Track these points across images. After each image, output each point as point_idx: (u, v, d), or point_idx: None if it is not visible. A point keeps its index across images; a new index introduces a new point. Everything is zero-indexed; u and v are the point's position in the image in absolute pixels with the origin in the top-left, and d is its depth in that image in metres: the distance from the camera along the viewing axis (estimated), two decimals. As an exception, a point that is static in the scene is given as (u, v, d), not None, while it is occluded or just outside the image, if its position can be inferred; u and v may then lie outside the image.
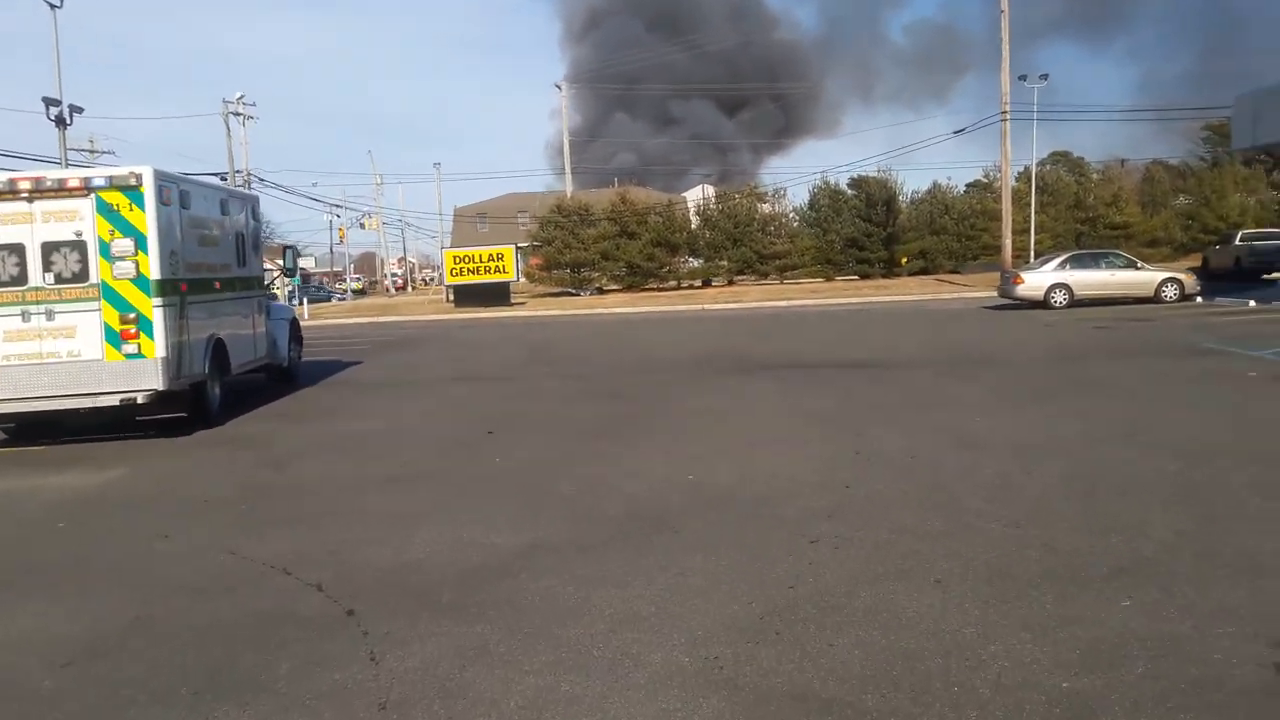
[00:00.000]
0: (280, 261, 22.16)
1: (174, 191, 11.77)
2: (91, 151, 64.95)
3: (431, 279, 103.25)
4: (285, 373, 16.45)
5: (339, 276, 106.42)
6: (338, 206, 77.07)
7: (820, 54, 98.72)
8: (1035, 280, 26.49)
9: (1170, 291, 26.00)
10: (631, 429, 10.32)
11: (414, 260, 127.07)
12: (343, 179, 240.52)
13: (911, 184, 77.60)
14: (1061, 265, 26.67)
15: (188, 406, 11.83)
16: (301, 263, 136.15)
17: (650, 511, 6.85)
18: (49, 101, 33.05)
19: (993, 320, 24.16)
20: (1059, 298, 26.08)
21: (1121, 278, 26.42)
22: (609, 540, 6.21)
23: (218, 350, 12.65)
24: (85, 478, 9.48)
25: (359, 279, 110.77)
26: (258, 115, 55.38)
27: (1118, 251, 30.62)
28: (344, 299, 75.24)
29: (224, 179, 52.12)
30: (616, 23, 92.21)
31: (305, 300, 48.88)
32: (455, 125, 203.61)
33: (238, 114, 54.38)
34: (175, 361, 11.31)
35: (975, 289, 37.84)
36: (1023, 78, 44.07)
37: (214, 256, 13.29)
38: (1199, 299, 26.03)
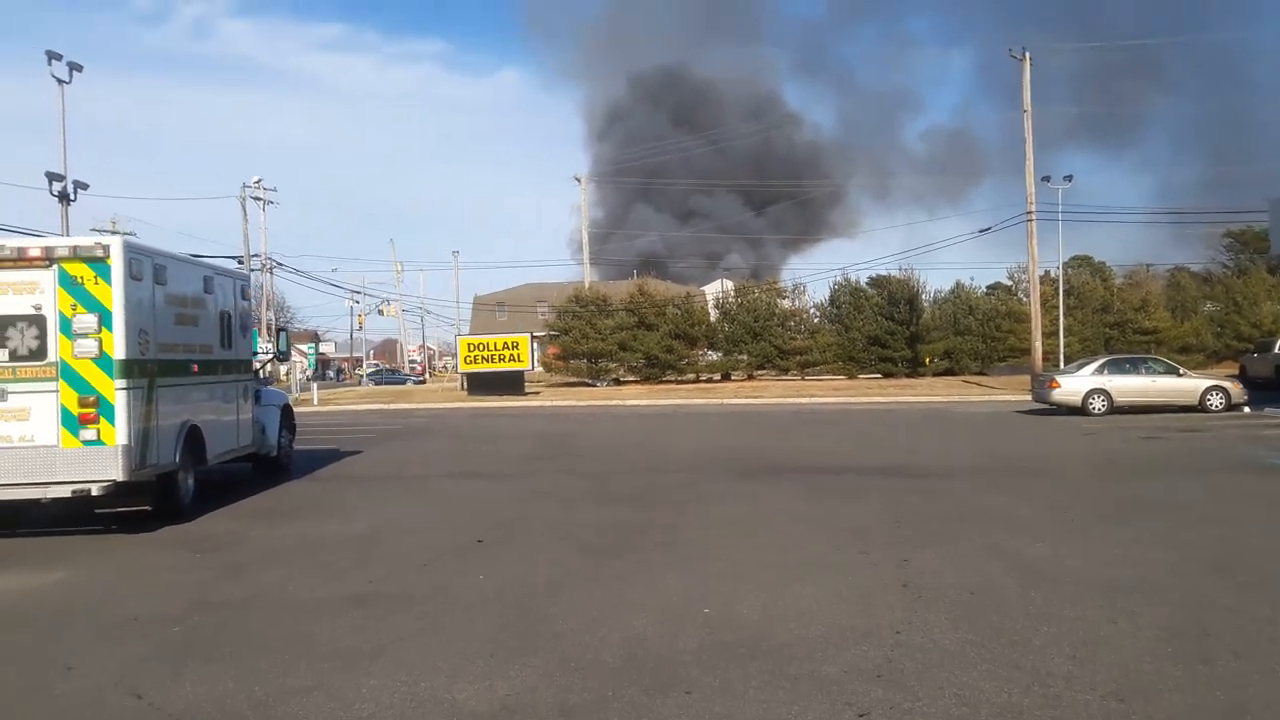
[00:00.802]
0: (270, 344, 21.15)
1: (147, 265, 10.88)
2: (113, 233, 65.63)
3: (449, 366, 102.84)
4: (275, 462, 15.41)
5: (358, 362, 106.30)
6: (357, 292, 77.27)
7: (839, 155, 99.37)
8: (1072, 385, 25.22)
9: (1215, 400, 24.64)
10: (642, 542, 9.07)
11: (433, 347, 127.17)
12: (363, 266, 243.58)
13: (931, 285, 76.96)
14: (1100, 370, 25.42)
15: (153, 499, 10.79)
16: (322, 347, 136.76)
17: (656, 659, 5.59)
18: (52, 176, 32.86)
19: (1028, 426, 22.85)
20: (1097, 404, 24.77)
21: (1163, 384, 25.12)
22: (601, 702, 4.94)
23: (192, 438, 11.70)
24: (15, 580, 8.30)
25: (377, 365, 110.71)
26: (277, 200, 55.53)
27: (1158, 357, 29.41)
28: (420, 380, 73.73)
29: (240, 262, 52.13)
30: (638, 118, 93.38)
31: (314, 383, 48.03)
32: (476, 216, 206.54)
33: (257, 198, 54.54)
34: (139, 449, 10.33)
35: (1004, 392, 36.58)
36: (1046, 179, 43.40)
37: (193, 337, 12.36)
38: (1246, 409, 24.65)
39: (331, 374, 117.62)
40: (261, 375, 18.44)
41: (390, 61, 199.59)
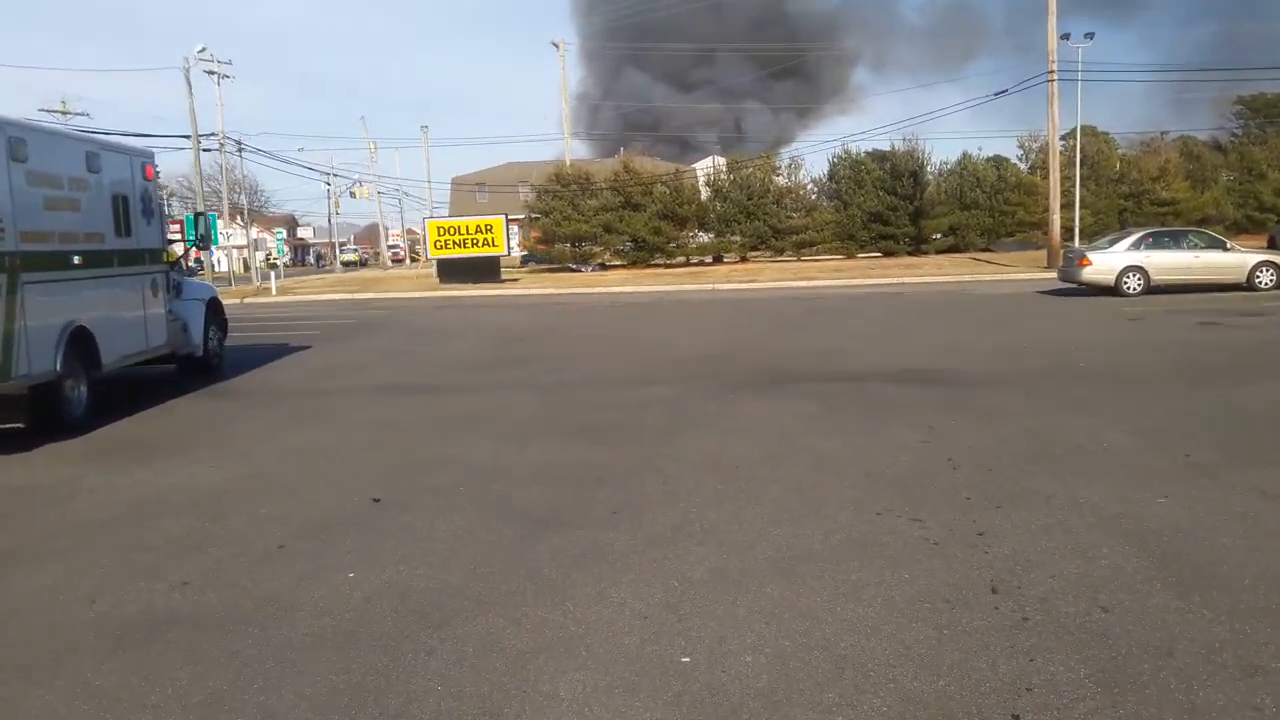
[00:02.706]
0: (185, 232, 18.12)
1: None
2: (64, 113, 61.20)
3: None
4: (201, 363, 13.99)
5: (340, 247, 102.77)
6: (330, 174, 73.25)
7: (837, 23, 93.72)
8: (1106, 262, 22.43)
9: (1266, 277, 21.95)
10: (594, 506, 6.43)
11: (418, 231, 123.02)
12: (339, 148, 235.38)
13: (934, 158, 72.45)
14: (1136, 245, 22.59)
15: (27, 414, 9.23)
16: (300, 233, 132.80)
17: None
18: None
19: (1060, 310, 20.16)
20: (1133, 283, 22.08)
21: (1207, 260, 22.34)
22: None
23: (78, 340, 10.16)
24: None
25: (356, 250, 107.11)
26: (232, 74, 51.27)
27: (1200, 229, 26.56)
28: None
29: (199, 142, 48.32)
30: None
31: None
32: (461, 97, 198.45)
33: (211, 72, 50.33)
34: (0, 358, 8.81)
35: (1017, 269, 33.85)
36: (1065, 36, 39.55)
37: (74, 224, 10.58)
38: (1301, 286, 21.97)
39: (311, 260, 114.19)
40: (182, 266, 15.93)
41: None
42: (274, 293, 37.06)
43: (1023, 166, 52.94)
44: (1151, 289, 22.05)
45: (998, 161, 53.31)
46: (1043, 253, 40.02)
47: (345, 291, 37.28)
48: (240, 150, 62.17)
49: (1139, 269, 22.15)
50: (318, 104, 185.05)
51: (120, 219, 11.53)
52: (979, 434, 8.13)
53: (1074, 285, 23.44)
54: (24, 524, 6.59)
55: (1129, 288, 22.05)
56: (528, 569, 5.21)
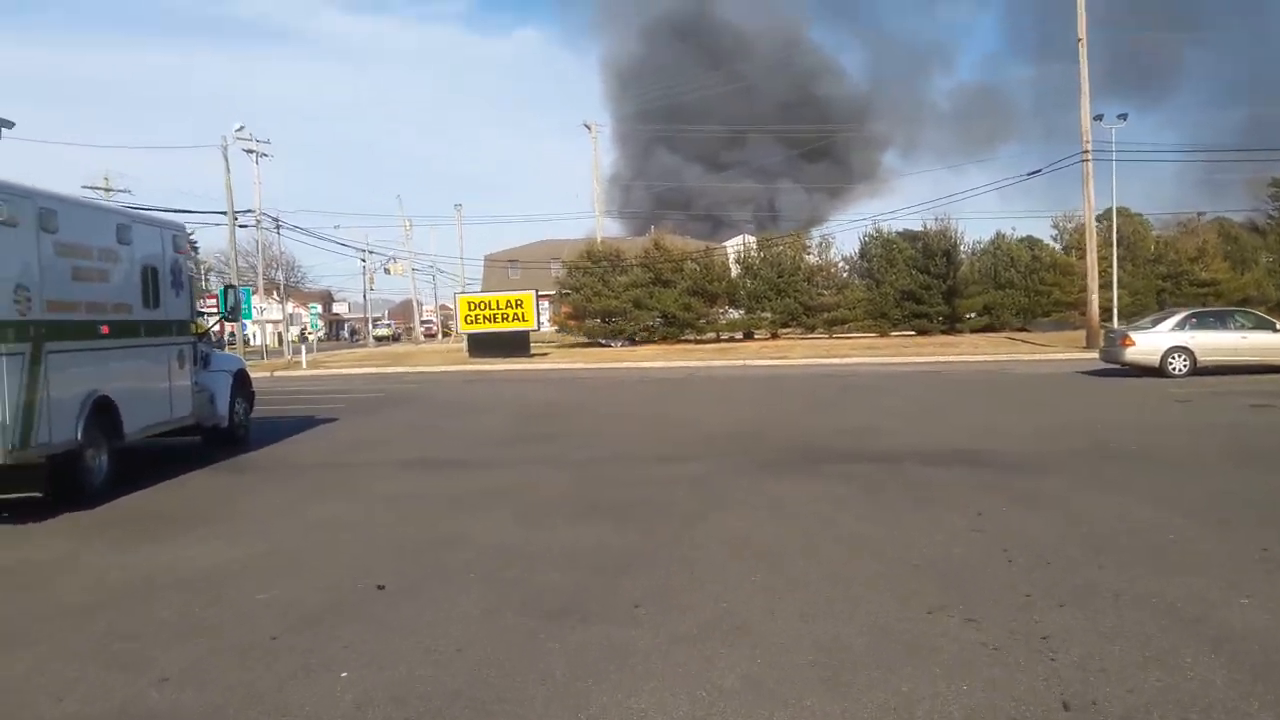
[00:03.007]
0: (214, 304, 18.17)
1: (25, 209, 8.95)
2: (106, 190, 62.71)
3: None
4: (227, 434, 13.89)
5: (375, 322, 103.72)
6: (365, 250, 74.23)
7: (867, 107, 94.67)
8: (1150, 342, 21.79)
9: (1317, 359, 21.20)
10: (617, 597, 5.93)
11: (451, 307, 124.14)
12: (374, 225, 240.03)
13: (966, 237, 71.25)
14: (1181, 324, 21.96)
15: (46, 483, 9.06)
16: (336, 308, 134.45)
17: None
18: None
19: (1104, 390, 19.50)
20: (1178, 364, 21.40)
21: (1255, 341, 21.64)
22: None
23: (100, 410, 10.00)
24: None
25: (389, 325, 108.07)
26: (271, 153, 52.34)
27: (1246, 309, 25.83)
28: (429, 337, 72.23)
29: (235, 218, 49.14)
30: (657, 66, 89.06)
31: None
32: (496, 179, 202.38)
33: (250, 150, 51.43)
34: (19, 427, 8.63)
35: (1055, 349, 33.16)
36: (1099, 117, 39.38)
37: (102, 295, 10.48)
38: (1351, 369, 21.18)
39: (345, 334, 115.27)
40: (211, 338, 15.98)
41: (410, 23, 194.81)
42: (304, 366, 37.08)
43: (1056, 247, 52.50)
44: (1198, 370, 21.35)
45: (1031, 242, 52.92)
46: (1080, 333, 39.35)
47: (375, 366, 37.23)
48: (278, 227, 63.40)
49: (1184, 349, 21.48)
50: (355, 182, 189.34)
51: (149, 290, 11.57)
52: (1032, 521, 7.57)
53: (1117, 366, 22.79)
54: (4, 605, 6.19)
55: (1174, 369, 21.37)
56: (539, 671, 4.71)
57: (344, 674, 4.74)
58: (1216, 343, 21.58)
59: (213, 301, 16.92)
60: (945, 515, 7.85)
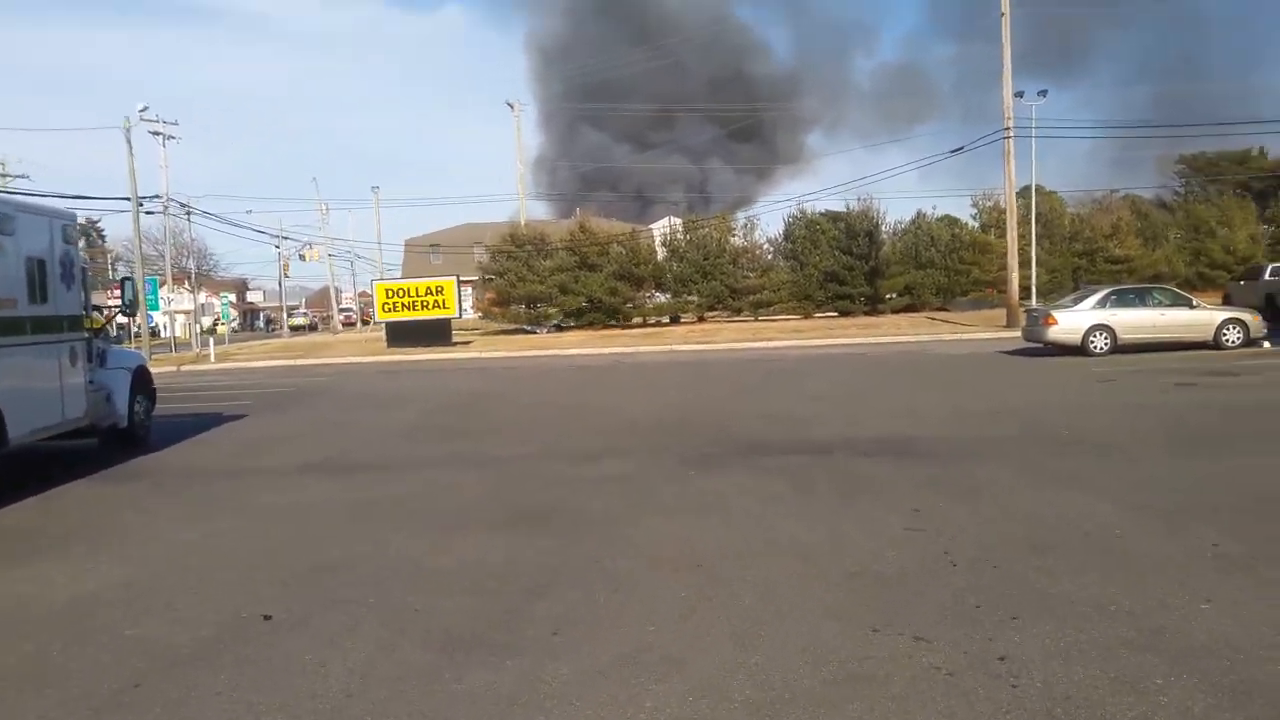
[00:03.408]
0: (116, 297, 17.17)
1: None
2: (2, 175, 59.54)
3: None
4: (127, 434, 13.21)
5: (291, 311, 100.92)
6: (279, 236, 71.85)
7: (791, 86, 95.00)
8: (1071, 321, 21.91)
9: (1233, 335, 21.51)
10: (536, 622, 5.35)
11: (370, 294, 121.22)
12: (292, 210, 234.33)
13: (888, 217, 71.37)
14: (1102, 303, 22.11)
15: None
16: (250, 296, 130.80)
17: None
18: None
19: (1028, 371, 19.48)
20: (1100, 342, 21.55)
21: (1173, 318, 21.88)
22: None
23: None
24: None
25: (306, 314, 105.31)
26: (179, 136, 50.14)
27: (1165, 286, 26.22)
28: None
29: (140, 204, 46.91)
30: (584, 42, 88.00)
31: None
32: (414, 154, 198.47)
33: (156, 133, 49.20)
34: None
35: (975, 328, 33.42)
36: (1019, 94, 39.76)
37: None
38: (1266, 343, 21.58)
39: (261, 324, 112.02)
40: (108, 333, 14.97)
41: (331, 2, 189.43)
42: (213, 359, 35.56)
43: (974, 225, 53.15)
44: (1119, 348, 21.53)
45: (950, 221, 53.50)
46: (999, 311, 39.82)
47: (288, 357, 35.88)
48: (188, 213, 60.85)
49: (1105, 328, 21.63)
50: (269, 167, 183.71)
51: (35, 284, 10.86)
52: (970, 518, 7.18)
53: (1038, 345, 22.91)
54: None
55: (1096, 347, 21.51)
56: (440, 718, 4.10)
57: (209, 736, 4.08)
58: (1136, 320, 21.76)
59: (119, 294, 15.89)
60: (881, 513, 7.43)
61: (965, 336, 31.30)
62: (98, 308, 16.43)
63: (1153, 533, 6.59)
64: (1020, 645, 4.63)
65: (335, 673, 4.68)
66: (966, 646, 4.65)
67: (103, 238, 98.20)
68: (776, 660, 4.60)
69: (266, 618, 5.54)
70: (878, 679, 4.32)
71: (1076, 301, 22.92)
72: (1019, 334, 27.65)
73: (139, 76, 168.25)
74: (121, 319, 16.20)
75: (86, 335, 12.47)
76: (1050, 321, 22.15)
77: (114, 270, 77.92)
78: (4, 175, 60.07)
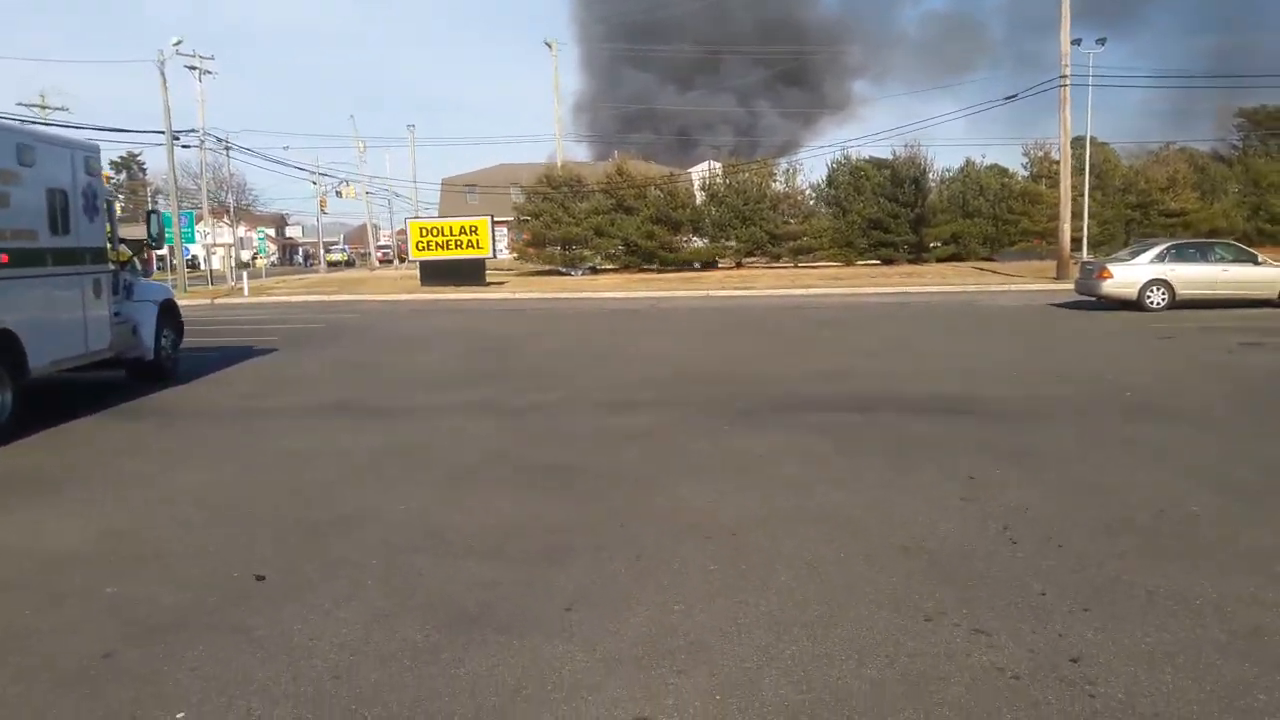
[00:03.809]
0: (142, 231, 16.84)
1: None
2: (42, 108, 59.39)
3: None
4: (153, 367, 13.18)
5: (329, 247, 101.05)
6: (317, 173, 71.48)
7: (839, 31, 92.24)
8: (1127, 275, 20.95)
9: (1299, 293, 20.48)
10: (550, 596, 4.85)
11: (406, 233, 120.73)
12: (327, 145, 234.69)
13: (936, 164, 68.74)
14: (1160, 257, 21.10)
15: None
16: (289, 231, 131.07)
17: None
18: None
19: (1082, 325, 18.61)
20: (1156, 298, 20.63)
21: (1236, 275, 20.86)
22: None
23: (1, 345, 9.45)
24: None
25: (344, 250, 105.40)
26: (216, 70, 49.56)
27: (1227, 241, 25.01)
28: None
29: (176, 138, 46.60)
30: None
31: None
32: (455, 93, 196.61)
33: (193, 67, 48.64)
34: None
35: (1024, 279, 32.39)
36: (1076, 42, 38.00)
37: None
38: (1335, 303, 20.51)
39: (299, 259, 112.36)
40: (136, 266, 14.74)
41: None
42: (246, 293, 35.40)
43: (1023, 175, 51.46)
44: (1176, 304, 20.58)
45: (999, 171, 51.83)
46: (1049, 263, 38.58)
47: (322, 293, 35.64)
48: (227, 148, 60.55)
49: (1163, 282, 20.67)
50: (307, 104, 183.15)
51: (56, 216, 10.68)
52: (1030, 489, 6.56)
53: (1091, 298, 21.99)
54: None
55: (1153, 302, 20.59)
56: (433, 710, 3.62)
57: (180, 715, 3.62)
58: (1196, 276, 20.77)
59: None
60: (932, 479, 6.83)
61: (1014, 288, 30.29)
62: (124, 240, 16.17)
63: (1235, 514, 5.94)
64: (1095, 644, 4.05)
65: (324, 649, 4.20)
66: (1033, 644, 4.07)
67: (143, 171, 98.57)
68: (816, 653, 4.05)
69: (260, 578, 5.10)
70: (932, 681, 3.77)
71: (1133, 255, 21.89)
72: (1070, 287, 26.66)
73: (181, 12, 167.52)
74: (154, 252, 15.84)
75: (112, 268, 12.40)
76: (1105, 275, 21.20)
77: (153, 203, 78.08)
78: (44, 107, 60.09)
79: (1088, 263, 23.61)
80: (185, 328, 14.62)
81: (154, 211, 15.48)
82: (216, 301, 33.47)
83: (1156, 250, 21.39)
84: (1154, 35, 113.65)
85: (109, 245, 12.66)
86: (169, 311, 14.08)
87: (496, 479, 7.20)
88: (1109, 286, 21.08)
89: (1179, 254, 21.28)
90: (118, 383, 12.64)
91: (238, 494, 6.97)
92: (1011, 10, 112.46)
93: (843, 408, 9.80)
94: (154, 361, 13.19)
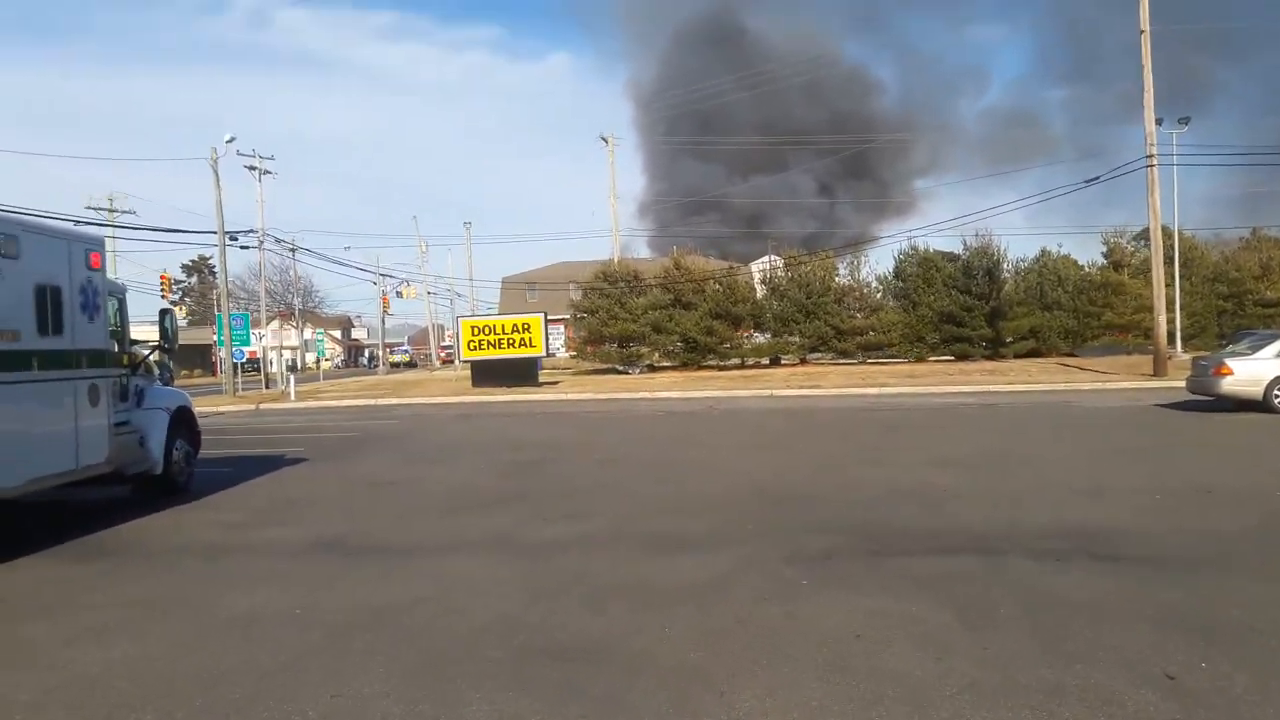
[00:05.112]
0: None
1: None
2: (110, 210, 60.65)
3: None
4: (164, 482, 11.91)
5: (390, 348, 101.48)
6: (379, 273, 71.73)
7: (900, 124, 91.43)
8: (1250, 371, 18.46)
9: None
10: None
11: (457, 332, 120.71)
12: (388, 245, 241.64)
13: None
14: (1288, 349, 18.62)
15: None
16: (355, 333, 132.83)
17: None
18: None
19: (1209, 431, 16.12)
20: (1287, 396, 18.08)
21: (1379, 369, 18.24)
22: None
23: None
24: None
25: (407, 351, 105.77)
26: (276, 171, 49.91)
27: (1365, 331, 22.36)
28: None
29: (234, 238, 46.62)
30: (686, 67, 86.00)
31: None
32: (514, 192, 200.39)
33: (252, 167, 49.05)
34: None
35: (1117, 377, 29.70)
36: (1159, 121, 35.93)
37: None
38: None
39: (364, 361, 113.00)
40: (150, 370, 13.46)
41: (445, 49, 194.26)
42: (293, 397, 34.24)
43: (1114, 266, 48.77)
44: (1308, 404, 18.02)
45: (1069, 262, 49.29)
46: (1140, 358, 35.90)
47: (371, 397, 34.32)
48: (293, 250, 60.94)
49: (1293, 379, 18.14)
50: (371, 208, 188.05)
51: (45, 314, 9.54)
52: (1266, 699, 4.36)
53: (1205, 398, 19.50)
54: None
55: (1281, 402, 18.05)
56: None
57: None
58: (1333, 371, 18.21)
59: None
60: (1115, 680, 4.66)
61: (1108, 386, 27.69)
62: (136, 341, 14.94)
63: None
64: None
65: None
66: None
67: (213, 274, 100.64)
68: None
69: None
70: None
71: (1254, 348, 19.36)
72: (1168, 384, 24.05)
73: (256, 122, 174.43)
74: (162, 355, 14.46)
75: (116, 372, 11.19)
76: (1224, 371, 18.72)
77: (219, 306, 79.21)
78: (111, 210, 61.31)
79: (1200, 358, 21.10)
80: (222, 435, 13.20)
81: (166, 310, 14.15)
82: (262, 406, 32.35)
83: (1281, 341, 18.89)
84: (1221, 120, 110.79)
85: (115, 347, 11.47)
86: (183, 420, 12.88)
87: (485, 670, 5.16)
88: (1229, 385, 18.58)
89: (1309, 346, 18.75)
90: (119, 501, 11.36)
91: (147, 685, 5.05)
92: (1071, 105, 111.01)
93: (952, 548, 7.64)
94: (163, 475, 11.90)
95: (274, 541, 9.03)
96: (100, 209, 60.22)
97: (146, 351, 13.51)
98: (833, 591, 6.48)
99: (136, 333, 13.73)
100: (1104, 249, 47.84)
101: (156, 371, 13.97)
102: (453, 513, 10.15)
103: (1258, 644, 5.18)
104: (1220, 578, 6.49)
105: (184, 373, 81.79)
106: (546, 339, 36.07)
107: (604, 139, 50.87)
